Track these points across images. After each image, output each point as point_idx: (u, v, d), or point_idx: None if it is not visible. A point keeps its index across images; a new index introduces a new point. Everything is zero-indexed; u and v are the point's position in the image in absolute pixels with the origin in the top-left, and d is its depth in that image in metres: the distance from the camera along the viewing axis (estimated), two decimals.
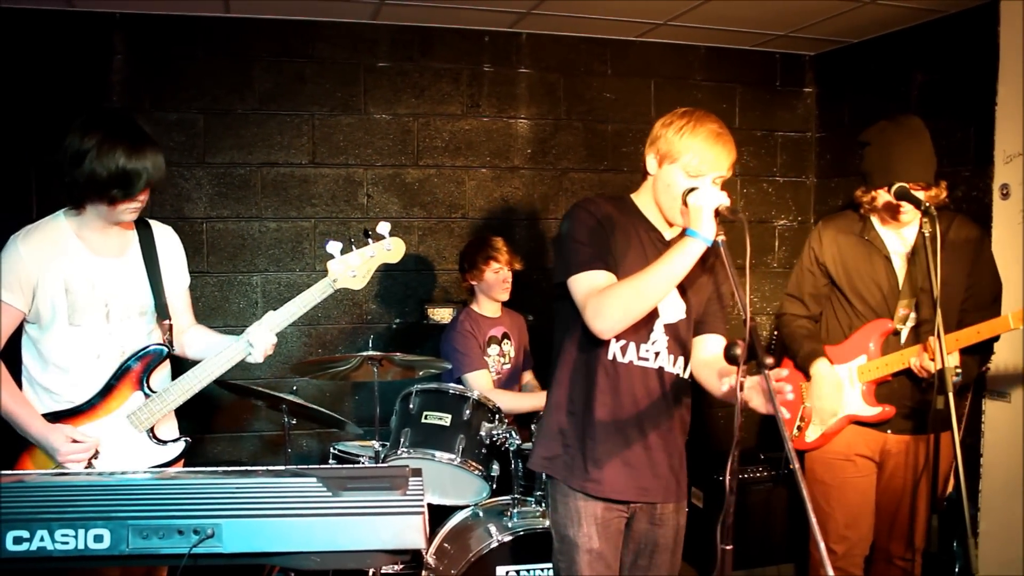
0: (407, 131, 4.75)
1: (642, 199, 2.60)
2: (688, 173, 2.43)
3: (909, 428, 3.16)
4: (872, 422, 3.19)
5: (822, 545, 1.85)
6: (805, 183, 5.39)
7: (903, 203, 2.97)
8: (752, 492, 4.51)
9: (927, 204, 2.82)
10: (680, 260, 2.31)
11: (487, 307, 4.24)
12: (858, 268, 3.19)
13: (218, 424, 4.58)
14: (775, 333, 4.69)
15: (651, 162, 2.53)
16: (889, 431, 3.19)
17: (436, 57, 4.76)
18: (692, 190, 2.38)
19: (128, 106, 4.31)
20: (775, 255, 5.36)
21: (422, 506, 1.86)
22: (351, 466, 3.69)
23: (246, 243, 4.55)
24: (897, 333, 3.16)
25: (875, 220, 3.19)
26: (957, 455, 2.70)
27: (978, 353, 3.15)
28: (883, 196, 3.07)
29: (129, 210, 2.62)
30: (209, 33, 4.41)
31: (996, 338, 3.06)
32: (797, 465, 1.97)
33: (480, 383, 3.96)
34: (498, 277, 4.15)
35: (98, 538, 1.81)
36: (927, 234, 2.78)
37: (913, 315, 3.13)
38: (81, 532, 1.81)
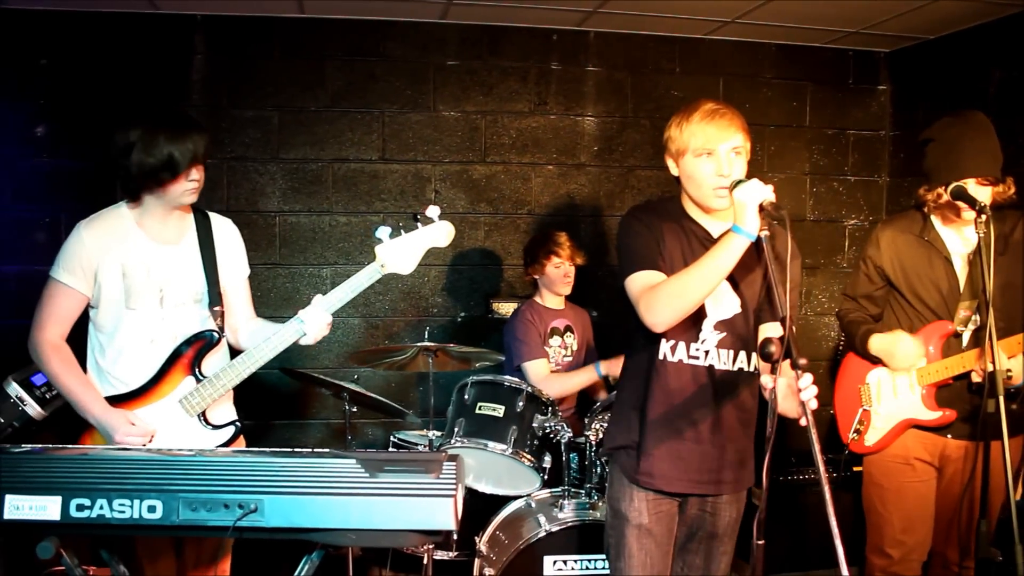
0: (475, 128, 4.83)
1: (684, 200, 2.67)
2: (699, 154, 2.50)
3: (969, 433, 3.09)
4: (932, 426, 3.13)
5: (840, 550, 1.85)
6: (877, 182, 5.29)
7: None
8: (811, 494, 4.46)
9: (982, 204, 2.76)
10: (724, 255, 2.35)
11: (550, 300, 4.30)
12: (917, 269, 3.14)
13: (286, 411, 4.74)
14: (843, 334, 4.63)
15: (671, 166, 2.63)
16: (949, 436, 3.13)
17: (504, 55, 4.83)
18: (738, 183, 2.38)
19: (207, 104, 4.52)
20: (844, 255, 5.28)
21: (454, 489, 1.93)
22: (390, 451, 3.80)
23: (317, 236, 4.70)
24: (958, 335, 3.09)
25: (936, 220, 3.14)
26: (1007, 459, 2.64)
27: None
28: (946, 194, 3.02)
29: (187, 191, 2.71)
30: (284, 33, 4.58)
31: None
32: (824, 471, 1.97)
33: (538, 372, 4.02)
34: (559, 272, 4.20)
35: (151, 508, 1.94)
36: (981, 235, 2.73)
37: (975, 317, 3.06)
38: (136, 502, 1.94)
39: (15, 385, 3.34)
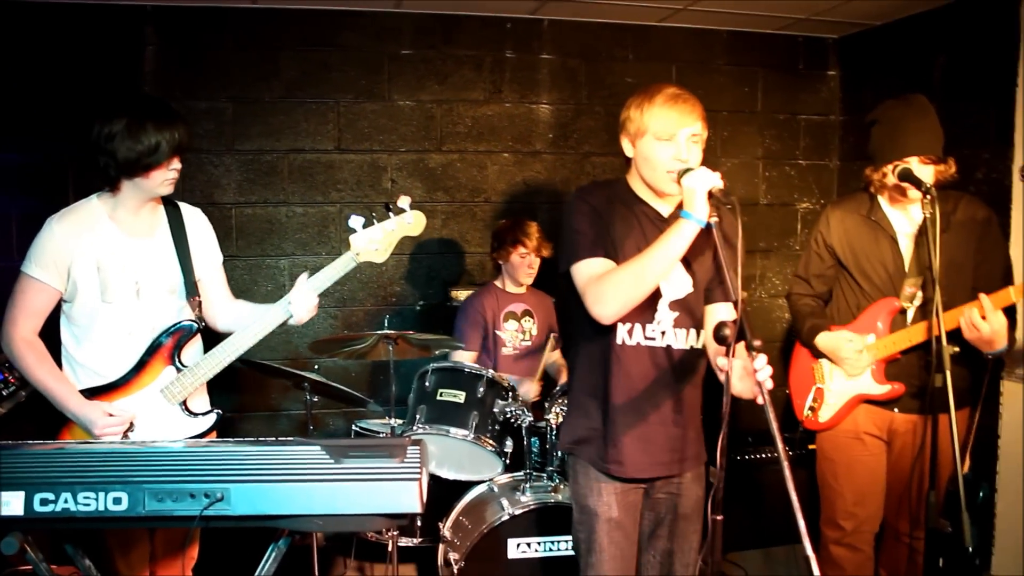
0: (430, 117, 4.84)
1: (634, 181, 2.66)
2: (659, 137, 2.50)
3: (917, 407, 3.18)
4: (882, 400, 3.22)
5: (802, 524, 1.92)
6: (828, 166, 5.40)
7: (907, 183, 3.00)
8: (769, 472, 4.55)
9: (928, 185, 2.84)
10: (675, 242, 2.36)
11: (511, 285, 4.33)
12: (864, 249, 3.23)
13: (251, 404, 4.73)
14: None
15: (626, 146, 2.62)
16: (896, 410, 3.22)
17: (459, 44, 4.84)
18: (687, 171, 2.41)
19: (160, 95, 4.43)
20: (797, 238, 5.38)
21: (419, 473, 1.96)
22: (354, 438, 3.81)
23: (274, 227, 4.69)
24: (904, 312, 3.19)
25: (883, 200, 3.22)
26: (954, 434, 2.73)
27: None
28: (891, 175, 3.10)
29: (167, 181, 2.74)
30: (237, 24, 4.54)
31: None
32: (782, 446, 2.03)
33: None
34: (523, 262, 4.23)
35: (117, 500, 1.94)
36: (927, 215, 2.81)
37: (920, 294, 3.15)
38: (101, 495, 1.94)
39: None
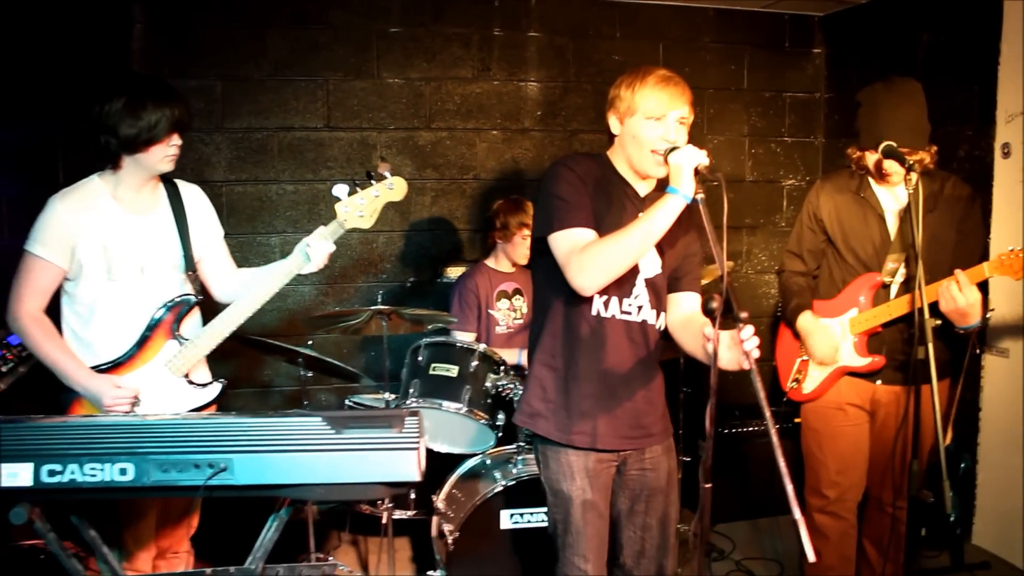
0: (419, 95, 4.87)
1: (616, 158, 2.69)
2: (647, 116, 2.53)
3: (899, 379, 3.25)
4: (863, 372, 3.28)
5: (789, 488, 1.97)
6: (813, 143, 5.47)
7: (889, 163, 3.04)
8: (756, 445, 4.64)
9: (911, 161, 2.89)
10: (661, 217, 2.40)
11: (503, 264, 4.37)
12: (853, 225, 3.28)
13: (243, 380, 4.78)
14: None
15: (614, 123, 2.65)
16: (879, 382, 3.28)
17: (447, 22, 4.86)
18: (673, 149, 2.46)
19: (148, 74, 4.44)
20: (783, 214, 5.45)
21: (417, 443, 2.01)
22: (353, 410, 3.86)
23: (264, 205, 4.71)
24: (887, 287, 3.25)
25: (870, 178, 3.28)
26: (935, 402, 2.78)
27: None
28: (871, 157, 3.16)
29: (167, 157, 2.77)
30: (226, 1, 4.54)
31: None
32: (770, 416, 2.06)
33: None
34: (526, 243, 4.26)
35: (123, 471, 1.98)
36: (911, 192, 2.86)
37: (902, 269, 3.21)
38: (108, 466, 1.98)
39: None
